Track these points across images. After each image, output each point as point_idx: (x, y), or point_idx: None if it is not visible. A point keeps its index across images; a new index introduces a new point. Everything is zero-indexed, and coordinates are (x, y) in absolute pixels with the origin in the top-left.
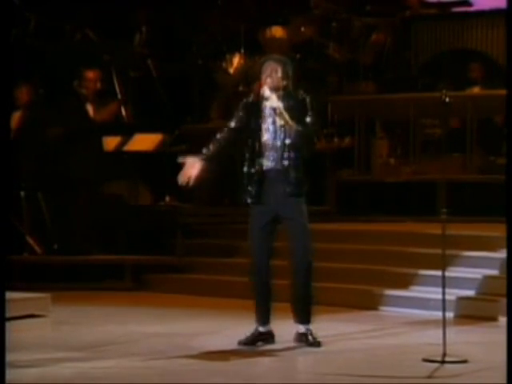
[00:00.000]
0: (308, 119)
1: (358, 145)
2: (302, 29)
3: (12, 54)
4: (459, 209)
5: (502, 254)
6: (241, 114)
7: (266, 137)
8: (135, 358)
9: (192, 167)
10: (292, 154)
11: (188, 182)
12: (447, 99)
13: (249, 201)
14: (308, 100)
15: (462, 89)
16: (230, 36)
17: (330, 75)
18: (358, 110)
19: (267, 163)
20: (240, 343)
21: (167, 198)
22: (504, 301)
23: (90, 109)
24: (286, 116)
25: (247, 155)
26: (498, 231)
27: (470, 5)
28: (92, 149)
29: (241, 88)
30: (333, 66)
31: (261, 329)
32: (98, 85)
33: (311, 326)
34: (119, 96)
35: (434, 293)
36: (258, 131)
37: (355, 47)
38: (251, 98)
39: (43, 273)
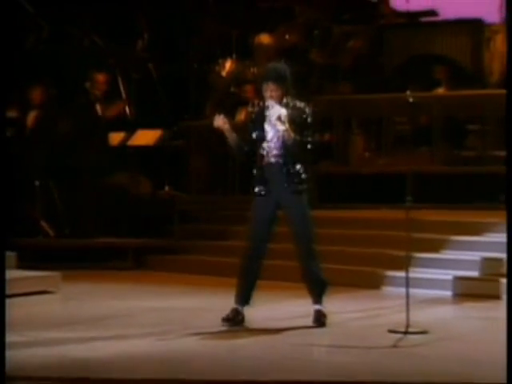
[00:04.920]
0: (306, 132)
1: (336, 140)
2: (287, 36)
3: (27, 58)
4: (427, 197)
5: (486, 238)
6: (252, 124)
7: (271, 139)
8: (134, 329)
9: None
10: (291, 154)
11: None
12: (411, 99)
13: (257, 191)
14: (308, 112)
15: (429, 89)
16: (223, 42)
17: (311, 77)
18: (336, 108)
19: (271, 159)
20: (224, 320)
21: (166, 188)
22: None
23: (98, 108)
24: (287, 124)
25: (256, 154)
26: (478, 217)
27: (437, 15)
28: (99, 143)
29: (232, 89)
30: (314, 69)
31: (239, 308)
32: (106, 87)
33: (321, 307)
34: (123, 96)
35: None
36: (264, 135)
37: (335, 52)
38: (257, 108)
39: (55, 254)
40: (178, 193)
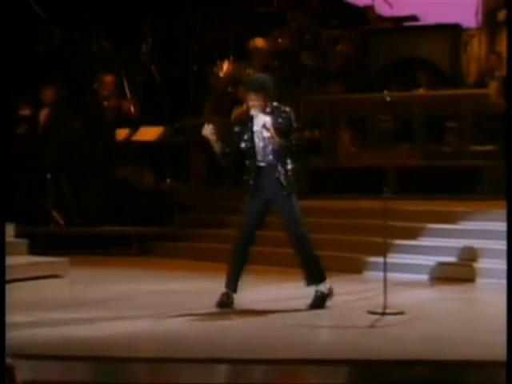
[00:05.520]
0: (292, 135)
1: (325, 136)
2: (280, 40)
3: (40, 61)
4: (408, 189)
5: (461, 226)
6: (239, 133)
7: (258, 144)
8: (134, 311)
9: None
10: (279, 157)
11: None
12: (388, 98)
13: (250, 193)
14: (292, 116)
15: (411, 90)
16: (221, 46)
17: (302, 79)
18: (325, 107)
19: (261, 164)
20: (217, 305)
21: (167, 180)
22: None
23: (105, 107)
24: (272, 130)
25: (246, 157)
26: (454, 207)
27: (418, 20)
28: (106, 140)
29: (229, 89)
30: (305, 71)
31: (230, 292)
32: (113, 87)
33: (320, 287)
34: (128, 96)
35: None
36: (252, 140)
37: (324, 55)
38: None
39: (64, 241)
40: (179, 185)
